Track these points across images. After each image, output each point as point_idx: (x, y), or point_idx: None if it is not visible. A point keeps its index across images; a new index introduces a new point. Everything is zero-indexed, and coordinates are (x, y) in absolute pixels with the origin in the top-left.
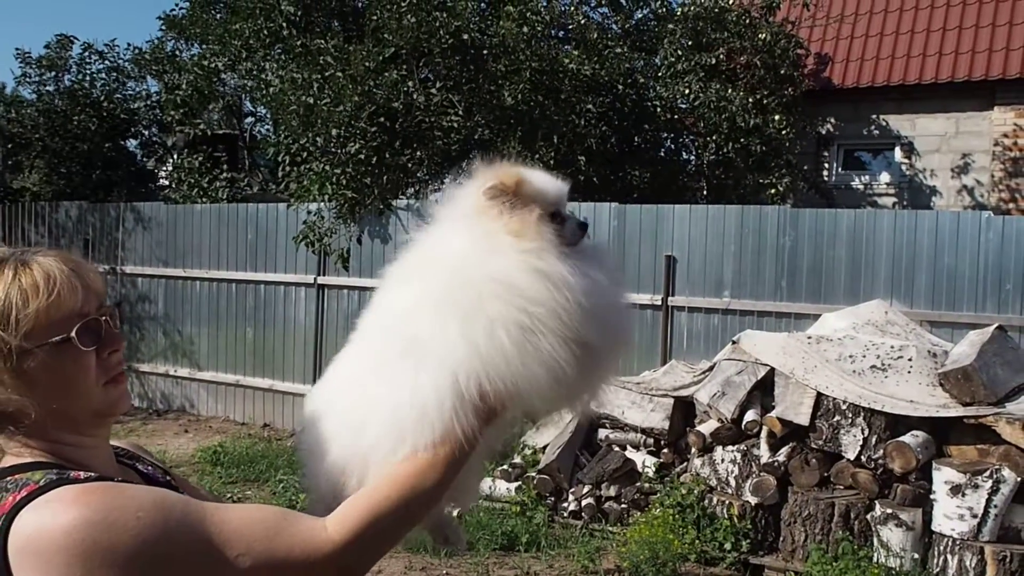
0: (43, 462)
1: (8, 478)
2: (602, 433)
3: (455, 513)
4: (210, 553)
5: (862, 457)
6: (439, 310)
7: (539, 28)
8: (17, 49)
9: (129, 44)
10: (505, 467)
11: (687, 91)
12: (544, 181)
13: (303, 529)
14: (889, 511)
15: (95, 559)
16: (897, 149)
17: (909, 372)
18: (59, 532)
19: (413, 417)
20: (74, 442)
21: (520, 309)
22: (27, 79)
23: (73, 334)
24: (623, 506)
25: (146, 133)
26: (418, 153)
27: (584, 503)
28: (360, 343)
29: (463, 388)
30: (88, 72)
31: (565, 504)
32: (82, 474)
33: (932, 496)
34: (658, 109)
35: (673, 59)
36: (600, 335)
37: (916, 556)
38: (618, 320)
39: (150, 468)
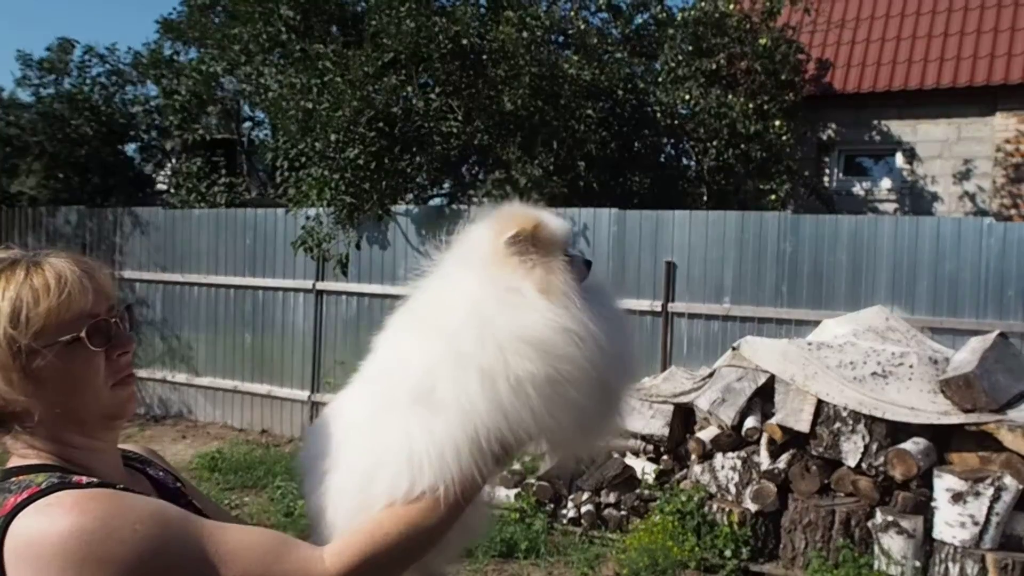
0: (47, 464)
1: (12, 479)
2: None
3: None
4: (203, 572)
5: (863, 464)
6: (460, 365)
7: (539, 33)
8: (18, 51)
9: (129, 48)
10: (505, 473)
11: (687, 97)
12: (558, 224)
13: (301, 557)
14: (890, 518)
15: (89, 568)
16: (898, 155)
17: (910, 379)
18: (55, 538)
19: (427, 465)
20: (81, 445)
21: (550, 366)
22: (27, 81)
23: (83, 334)
24: (623, 513)
25: (144, 138)
26: (417, 158)
27: (583, 510)
28: (365, 388)
29: (483, 441)
30: (88, 76)
31: (564, 511)
32: (84, 479)
33: (933, 503)
34: (658, 115)
35: (673, 64)
36: (619, 375)
37: (917, 564)
38: (630, 355)
39: (161, 474)
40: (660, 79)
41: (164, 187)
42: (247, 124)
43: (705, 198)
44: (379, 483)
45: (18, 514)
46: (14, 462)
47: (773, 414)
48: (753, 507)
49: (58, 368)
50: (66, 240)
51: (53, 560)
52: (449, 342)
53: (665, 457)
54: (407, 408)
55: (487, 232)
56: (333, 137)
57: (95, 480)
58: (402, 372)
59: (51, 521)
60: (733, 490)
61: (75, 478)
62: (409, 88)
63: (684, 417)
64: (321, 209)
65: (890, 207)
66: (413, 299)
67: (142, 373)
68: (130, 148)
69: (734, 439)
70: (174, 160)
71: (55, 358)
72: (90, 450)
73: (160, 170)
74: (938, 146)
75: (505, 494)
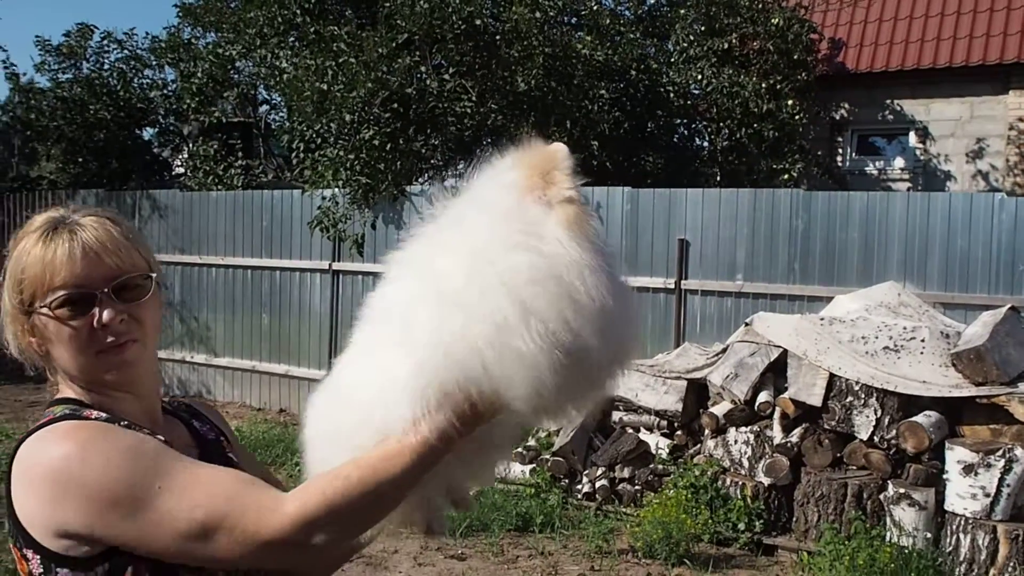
0: (71, 398)
1: (47, 409)
2: (616, 415)
3: (472, 491)
4: (162, 502)
5: (875, 437)
6: (443, 303)
7: (552, 14)
8: (37, 36)
9: (147, 33)
10: (519, 449)
11: (700, 76)
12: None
13: (263, 499)
14: (902, 491)
15: (66, 490)
16: (911, 134)
17: (922, 353)
18: (45, 462)
19: (393, 408)
20: (100, 391)
21: (560, 313)
22: (46, 67)
23: (50, 306)
24: (637, 488)
25: (162, 122)
26: (432, 139)
27: (598, 485)
28: (364, 328)
29: (456, 388)
30: (106, 61)
31: (579, 486)
32: (94, 414)
33: (945, 476)
34: (671, 95)
35: (686, 44)
36: (624, 343)
37: (929, 535)
38: (637, 325)
39: (205, 427)
40: (673, 59)
41: (181, 170)
42: (263, 107)
43: (718, 178)
44: (346, 426)
45: (27, 439)
46: (60, 394)
47: (786, 389)
48: (766, 481)
49: (47, 329)
50: None
51: (43, 483)
52: (437, 280)
53: (679, 432)
54: (384, 350)
55: (504, 169)
56: (348, 118)
57: (103, 415)
58: (384, 315)
59: (44, 447)
60: (746, 464)
61: (86, 412)
62: (423, 69)
63: (697, 392)
64: (337, 190)
65: (903, 186)
66: (424, 235)
67: (161, 354)
68: (148, 132)
69: (747, 414)
70: (191, 144)
71: (45, 320)
72: (110, 396)
73: (178, 154)
74: (951, 125)
75: (520, 469)
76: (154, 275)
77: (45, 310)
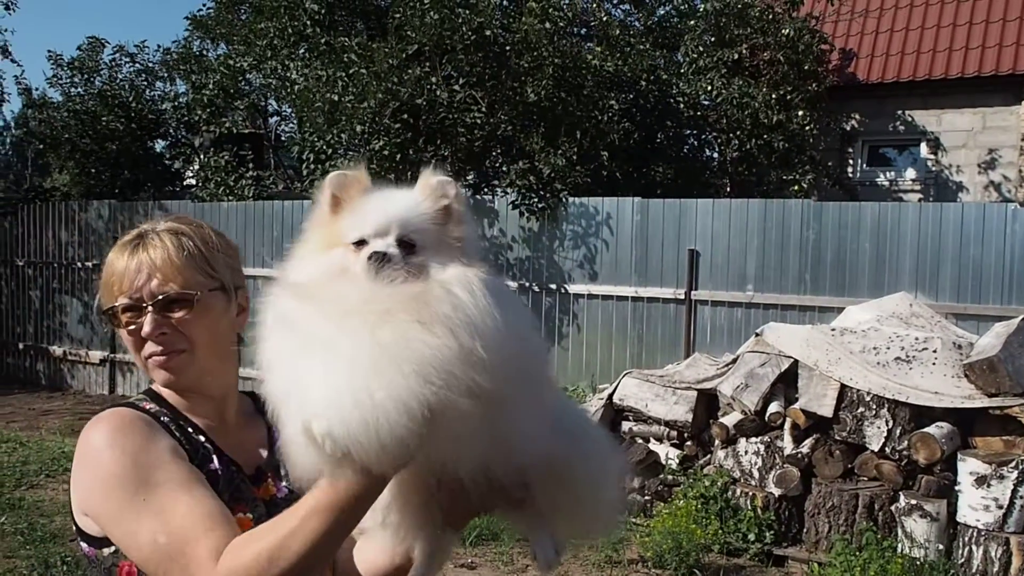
0: (151, 389)
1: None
2: (626, 425)
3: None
4: (137, 515)
5: (886, 448)
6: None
7: (561, 24)
8: (49, 51)
9: (159, 45)
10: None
11: (710, 87)
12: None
13: (200, 552)
14: (913, 502)
15: (84, 470)
16: (923, 145)
17: (934, 364)
18: (81, 440)
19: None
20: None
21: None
22: (58, 81)
23: (117, 310)
24: (646, 498)
25: (173, 134)
26: (442, 149)
27: None
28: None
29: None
30: (118, 75)
31: None
32: (149, 406)
33: (957, 487)
34: (681, 105)
35: (695, 55)
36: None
37: (941, 547)
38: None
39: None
40: (682, 70)
41: (193, 181)
42: (273, 118)
43: (728, 189)
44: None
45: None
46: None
47: (796, 399)
48: (776, 491)
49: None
50: (97, 233)
51: (76, 459)
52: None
53: (689, 443)
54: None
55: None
56: (359, 129)
57: (152, 409)
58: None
59: (89, 426)
60: (756, 475)
61: (144, 403)
62: (433, 80)
63: (707, 403)
64: None
65: (914, 197)
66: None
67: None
68: (160, 144)
69: (757, 424)
70: (203, 155)
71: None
72: (183, 393)
73: (189, 165)
74: (963, 136)
75: None
76: (197, 294)
77: (113, 312)
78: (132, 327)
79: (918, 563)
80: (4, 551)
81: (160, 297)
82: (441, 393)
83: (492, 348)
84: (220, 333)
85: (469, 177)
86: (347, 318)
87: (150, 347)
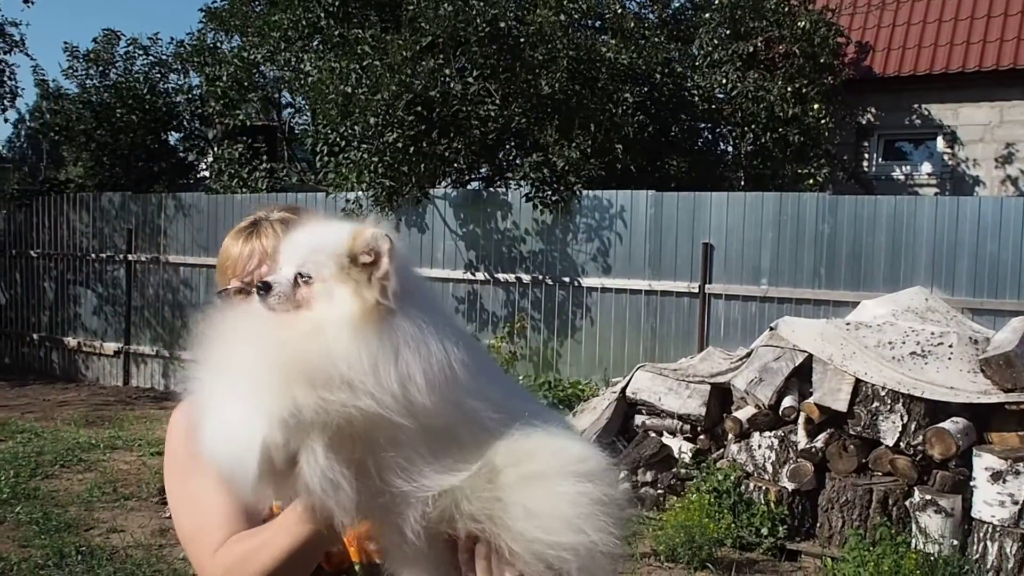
0: None
1: None
2: (639, 419)
3: None
4: (175, 503)
5: (901, 443)
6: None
7: (576, 17)
8: (65, 43)
9: (172, 38)
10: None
11: (724, 80)
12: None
13: (210, 543)
14: (928, 497)
15: (165, 449)
16: (939, 139)
17: (949, 359)
18: (170, 420)
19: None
20: None
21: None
22: (73, 73)
23: (230, 291)
24: (659, 491)
25: (187, 126)
26: (455, 142)
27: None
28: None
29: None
30: (132, 67)
31: None
32: None
33: (972, 483)
34: (695, 98)
35: (710, 48)
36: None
37: (955, 543)
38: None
39: None
40: (697, 63)
41: (207, 174)
42: (287, 111)
43: (742, 183)
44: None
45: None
46: None
47: (810, 394)
48: (790, 486)
49: None
50: (111, 224)
51: (166, 439)
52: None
53: (702, 436)
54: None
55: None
56: (372, 121)
57: None
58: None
59: (175, 410)
60: (770, 469)
61: None
62: (447, 72)
63: (721, 397)
64: (361, 192)
65: (930, 192)
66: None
67: (187, 355)
68: (173, 136)
69: (771, 418)
70: (216, 147)
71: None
72: None
73: (203, 157)
74: (980, 130)
75: None
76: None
77: (227, 294)
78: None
79: (932, 559)
80: (19, 540)
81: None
82: (281, 420)
83: (353, 380)
84: None
85: (482, 170)
86: (221, 344)
87: None
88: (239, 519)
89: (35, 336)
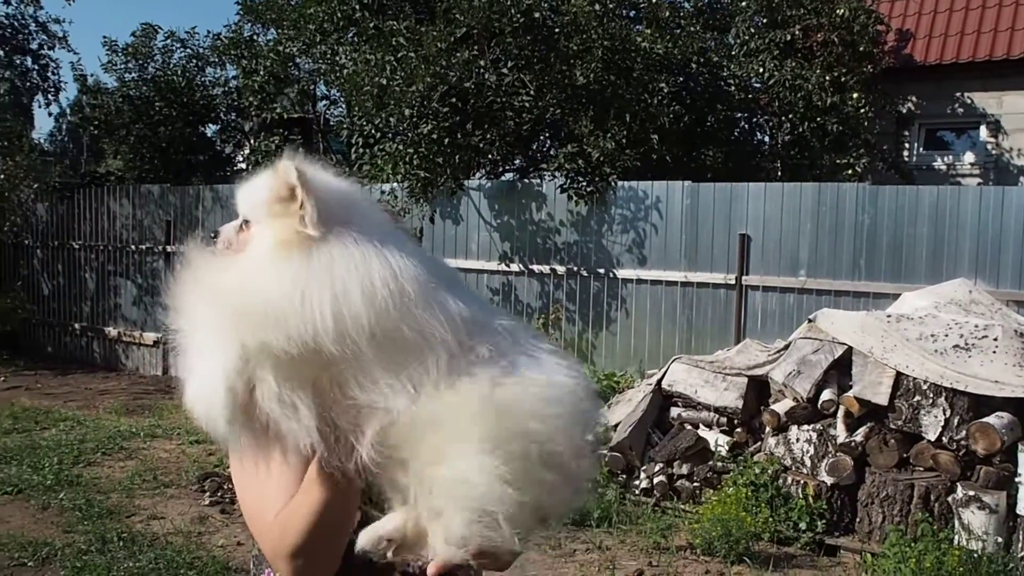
0: None
1: None
2: (674, 412)
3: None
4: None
5: (943, 438)
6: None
7: (611, 6)
8: (104, 37)
9: (209, 31)
10: None
11: (761, 69)
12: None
13: (264, 520)
14: (971, 493)
15: None
16: (982, 128)
17: (994, 352)
18: None
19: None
20: None
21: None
22: (112, 67)
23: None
24: (695, 484)
25: (224, 119)
26: (489, 133)
27: (656, 481)
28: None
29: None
30: (170, 61)
31: (637, 481)
32: None
33: (1017, 479)
34: (732, 88)
35: (747, 37)
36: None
37: (999, 539)
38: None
39: None
40: (733, 52)
41: (244, 166)
42: (322, 103)
43: (780, 173)
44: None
45: None
46: None
47: (850, 387)
48: (829, 480)
49: None
50: (150, 215)
51: None
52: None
53: (739, 429)
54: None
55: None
56: (407, 112)
57: None
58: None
59: None
60: (808, 463)
61: None
62: (481, 63)
63: (758, 390)
64: (396, 184)
65: (973, 182)
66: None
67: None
68: (210, 129)
69: (809, 412)
70: (252, 139)
71: None
72: None
73: (240, 150)
74: None
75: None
76: None
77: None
78: None
79: (975, 555)
80: (63, 526)
81: None
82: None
83: (277, 310)
84: None
85: (516, 161)
86: (185, 296)
87: None
88: (296, 488)
89: (77, 326)
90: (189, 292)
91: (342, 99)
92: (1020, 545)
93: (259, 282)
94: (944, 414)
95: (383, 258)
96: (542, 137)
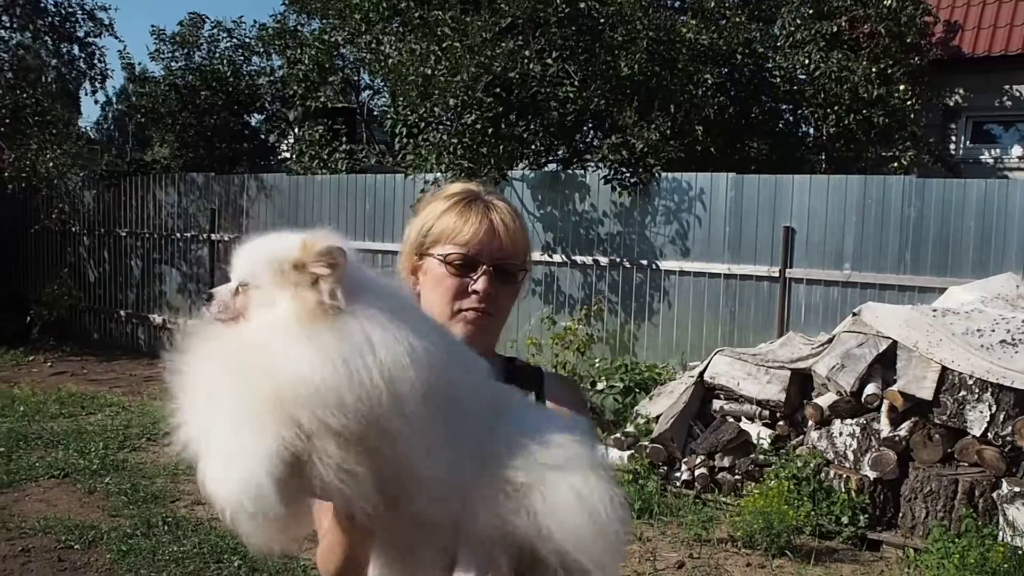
0: None
1: None
2: (716, 404)
3: None
4: None
5: (989, 434)
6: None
7: None
8: (152, 26)
9: (255, 21)
10: (618, 436)
11: (807, 61)
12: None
13: (318, 528)
14: (1017, 489)
15: None
16: None
17: None
18: None
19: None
20: None
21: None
22: (159, 55)
23: (445, 256)
24: (737, 477)
25: (269, 108)
26: (533, 123)
27: (697, 473)
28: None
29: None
30: (216, 50)
31: (678, 473)
32: None
33: None
34: (777, 80)
35: (793, 28)
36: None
37: None
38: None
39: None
40: (779, 43)
41: (288, 155)
42: (365, 92)
43: (823, 166)
44: None
45: None
46: None
47: (894, 381)
48: (872, 474)
49: (431, 272)
50: (196, 203)
51: None
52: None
53: (781, 423)
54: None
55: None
56: (451, 102)
57: None
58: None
59: None
60: (851, 457)
61: None
62: (526, 53)
63: (801, 383)
64: (439, 174)
65: (1022, 176)
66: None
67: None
68: (255, 118)
69: (853, 406)
70: (297, 129)
71: (432, 264)
72: None
73: (284, 139)
74: None
75: (618, 455)
76: (527, 271)
77: (439, 257)
78: (457, 277)
79: (1020, 552)
80: (109, 511)
81: (502, 262)
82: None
83: (301, 390)
84: (510, 306)
85: (560, 152)
86: (194, 373)
87: (470, 302)
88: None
89: (122, 313)
90: (204, 369)
91: (386, 89)
92: None
93: (299, 358)
94: (990, 409)
95: (405, 327)
96: (586, 128)
